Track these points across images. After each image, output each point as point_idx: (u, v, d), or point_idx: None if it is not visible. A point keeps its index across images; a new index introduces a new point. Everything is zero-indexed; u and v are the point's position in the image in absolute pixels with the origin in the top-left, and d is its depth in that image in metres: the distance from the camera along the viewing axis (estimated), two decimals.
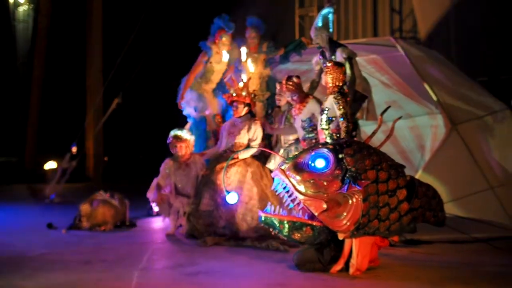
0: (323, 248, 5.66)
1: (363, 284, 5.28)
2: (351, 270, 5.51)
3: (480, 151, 8.06)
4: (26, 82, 18.96)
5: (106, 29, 17.83)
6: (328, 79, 6.84)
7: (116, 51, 11.89)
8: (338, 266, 5.60)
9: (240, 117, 8.05)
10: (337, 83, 6.81)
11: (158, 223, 8.89)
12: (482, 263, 6.09)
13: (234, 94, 8.14)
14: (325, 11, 8.43)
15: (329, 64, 6.89)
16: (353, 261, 5.53)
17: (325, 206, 5.37)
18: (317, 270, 5.63)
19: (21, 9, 20.64)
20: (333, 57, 8.25)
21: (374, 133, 6.27)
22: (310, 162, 5.53)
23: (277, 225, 5.57)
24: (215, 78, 9.27)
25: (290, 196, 5.49)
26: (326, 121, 6.00)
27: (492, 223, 7.35)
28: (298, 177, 5.46)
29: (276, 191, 5.67)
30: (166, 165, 8.15)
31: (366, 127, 10.22)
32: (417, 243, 6.84)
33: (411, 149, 11.74)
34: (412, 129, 11.60)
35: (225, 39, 9.15)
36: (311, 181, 5.44)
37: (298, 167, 5.52)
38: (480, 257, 6.32)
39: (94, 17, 17.52)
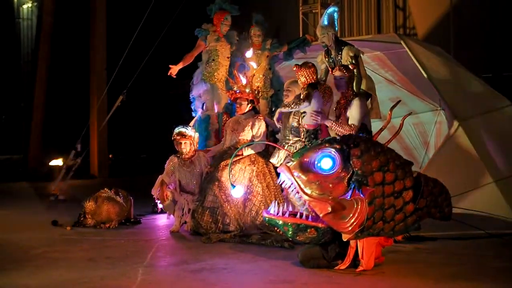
0: (327, 245, 5.65)
1: (368, 280, 5.28)
2: (359, 269, 5.51)
3: (484, 147, 8.04)
4: (31, 80, 18.98)
5: (110, 27, 17.84)
6: (302, 79, 7.49)
7: (120, 49, 11.90)
8: (344, 265, 5.58)
9: (243, 114, 8.05)
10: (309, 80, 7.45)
11: (162, 220, 8.90)
12: (486, 259, 6.08)
13: (237, 91, 8.16)
14: (330, 9, 8.42)
15: (294, 68, 7.54)
16: (361, 261, 5.52)
17: (330, 208, 5.35)
18: (322, 267, 5.64)
19: (25, 6, 20.68)
20: (339, 56, 8.25)
21: (382, 129, 6.26)
22: (316, 162, 5.47)
23: (282, 226, 5.58)
24: (222, 61, 9.22)
25: (297, 192, 5.49)
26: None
27: (498, 217, 7.34)
28: (304, 177, 5.43)
29: (281, 183, 5.66)
30: (171, 162, 8.16)
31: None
32: (421, 239, 6.84)
33: (416, 146, 11.74)
34: (416, 125, 11.60)
35: (229, 19, 9.19)
36: (317, 183, 5.40)
37: (304, 167, 5.48)
38: (484, 253, 6.31)
39: (98, 14, 17.52)
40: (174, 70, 9.22)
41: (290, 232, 5.56)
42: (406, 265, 5.80)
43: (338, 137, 5.86)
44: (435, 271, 5.56)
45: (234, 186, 6.92)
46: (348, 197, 5.35)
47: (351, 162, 5.43)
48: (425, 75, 8.40)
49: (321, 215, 5.38)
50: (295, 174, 5.45)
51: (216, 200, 7.67)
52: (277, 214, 5.59)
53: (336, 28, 8.41)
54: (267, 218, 5.66)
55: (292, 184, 5.47)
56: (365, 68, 8.62)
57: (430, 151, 11.32)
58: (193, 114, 9.46)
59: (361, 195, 5.33)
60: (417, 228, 5.70)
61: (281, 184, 5.73)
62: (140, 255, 6.44)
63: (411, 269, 5.66)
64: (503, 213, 7.51)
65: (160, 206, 9.14)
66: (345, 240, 5.47)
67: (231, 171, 7.61)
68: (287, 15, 17.47)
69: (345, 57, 8.15)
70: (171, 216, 8.24)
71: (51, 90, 18.96)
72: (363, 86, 8.04)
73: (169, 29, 11.56)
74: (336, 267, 5.59)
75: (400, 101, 6.67)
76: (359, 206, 5.33)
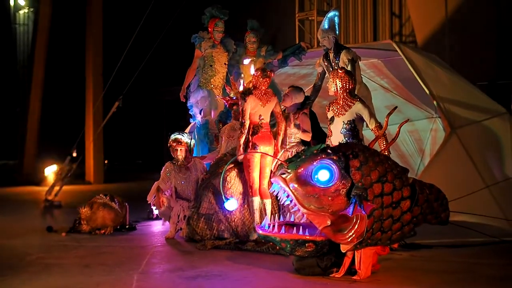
0: (324, 255, 5.63)
1: None
2: (355, 277, 5.50)
3: (479, 155, 8.06)
4: (26, 85, 18.97)
5: (106, 32, 17.86)
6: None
7: (117, 54, 11.91)
8: (339, 274, 5.56)
9: (239, 120, 8.04)
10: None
11: (158, 227, 8.89)
12: (480, 267, 6.09)
13: (234, 98, 8.17)
14: (331, 14, 8.46)
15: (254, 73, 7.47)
16: (358, 271, 5.52)
17: (329, 222, 5.32)
18: (317, 274, 5.62)
19: (21, 12, 20.67)
20: (336, 59, 8.27)
21: (378, 136, 6.26)
22: (313, 175, 5.36)
23: (279, 243, 5.55)
24: (219, 68, 9.27)
25: (293, 206, 5.44)
26: None
27: (492, 223, 7.35)
28: (301, 190, 5.33)
29: (274, 192, 5.63)
30: (167, 169, 8.16)
31: (364, 131, 10.23)
32: (416, 247, 6.84)
33: (411, 153, 11.74)
34: (411, 133, 11.61)
35: (220, 26, 9.25)
36: (315, 196, 5.31)
37: (301, 179, 5.36)
38: (478, 261, 6.32)
39: (94, 20, 17.53)
40: (183, 92, 9.37)
41: (288, 248, 5.52)
42: (402, 273, 5.80)
43: (335, 145, 5.84)
44: (430, 279, 5.57)
45: (227, 199, 6.93)
46: (350, 213, 5.28)
47: (350, 174, 5.37)
48: (420, 83, 8.40)
49: (319, 228, 5.35)
50: (292, 186, 5.35)
51: (211, 207, 7.67)
52: (273, 229, 5.55)
53: (337, 32, 8.43)
54: (262, 235, 5.63)
55: (288, 196, 5.40)
56: (361, 76, 8.65)
57: (426, 158, 11.33)
58: (191, 121, 9.49)
59: (363, 212, 5.28)
60: (412, 235, 5.71)
61: (276, 195, 5.71)
62: (135, 261, 6.43)
63: (407, 276, 5.66)
64: (496, 219, 7.51)
65: (155, 212, 9.14)
66: (343, 251, 5.45)
67: (225, 179, 7.61)
68: (284, 22, 17.50)
69: (343, 59, 8.17)
70: (167, 222, 8.24)
71: (47, 95, 18.95)
72: (357, 93, 8.05)
73: (165, 36, 11.57)
74: (331, 275, 5.59)
75: (396, 107, 6.68)
76: (359, 220, 5.30)
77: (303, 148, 7.69)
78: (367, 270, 5.52)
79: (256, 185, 7.49)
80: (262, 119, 7.47)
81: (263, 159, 7.52)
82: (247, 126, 7.40)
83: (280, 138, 7.67)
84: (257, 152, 7.38)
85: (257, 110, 7.45)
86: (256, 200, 7.49)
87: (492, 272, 5.89)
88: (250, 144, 7.43)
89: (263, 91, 7.49)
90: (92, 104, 16.83)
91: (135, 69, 11.47)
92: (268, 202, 7.54)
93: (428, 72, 8.67)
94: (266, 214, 7.44)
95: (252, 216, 7.49)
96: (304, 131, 7.77)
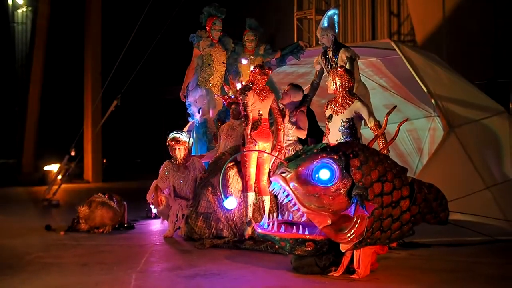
0: (322, 254, 5.62)
1: (362, 287, 5.28)
2: (353, 276, 5.50)
3: (477, 154, 8.05)
4: (25, 84, 18.96)
5: (104, 31, 17.86)
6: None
7: (115, 53, 11.91)
8: (338, 273, 5.56)
9: (238, 119, 8.04)
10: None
11: (156, 225, 8.89)
12: (479, 265, 6.09)
13: (232, 97, 8.16)
14: (330, 12, 8.46)
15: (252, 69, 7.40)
16: (357, 270, 5.52)
17: (329, 221, 5.31)
18: (315, 273, 5.63)
19: (19, 11, 20.66)
20: (335, 57, 8.27)
21: (377, 136, 6.24)
22: (314, 174, 5.34)
23: (278, 242, 5.54)
24: (217, 66, 9.26)
25: (293, 205, 5.42)
26: None
27: (491, 223, 7.36)
28: (302, 189, 5.31)
29: (274, 190, 5.61)
30: (165, 167, 8.15)
31: (363, 130, 10.23)
32: (415, 246, 6.84)
33: (409, 152, 11.74)
34: (410, 132, 11.61)
35: (218, 24, 9.25)
36: (316, 195, 5.30)
37: (302, 178, 5.34)
38: (477, 260, 6.32)
39: (93, 19, 17.54)
40: (183, 91, 9.37)
41: (288, 247, 5.51)
42: (400, 272, 5.80)
43: (335, 144, 5.83)
44: (429, 277, 5.57)
45: (226, 197, 6.93)
46: (352, 213, 5.27)
47: (350, 174, 5.36)
48: (419, 81, 8.41)
49: (320, 227, 5.35)
50: (292, 185, 5.33)
51: (209, 206, 7.66)
52: (272, 228, 5.54)
53: (337, 30, 8.43)
54: (261, 234, 5.62)
55: (288, 195, 5.38)
56: (360, 74, 8.64)
57: (424, 157, 11.33)
58: (189, 120, 9.49)
59: (365, 212, 5.27)
60: (411, 234, 5.71)
61: (276, 195, 5.70)
62: (133, 260, 6.42)
63: (405, 275, 5.66)
64: (496, 218, 7.52)
65: (154, 211, 9.13)
66: (343, 250, 5.44)
67: (224, 178, 7.61)
68: (282, 21, 17.49)
69: (342, 57, 8.17)
70: (165, 221, 8.24)
71: (46, 94, 18.95)
72: (355, 91, 8.05)
73: (163, 35, 11.57)
74: (329, 274, 5.59)
75: (395, 106, 6.68)
76: (360, 220, 5.30)
77: (300, 146, 7.73)
78: (365, 269, 5.53)
79: (251, 181, 7.50)
80: (261, 114, 7.48)
81: (261, 156, 7.52)
82: (250, 117, 7.39)
83: (281, 133, 7.66)
84: (256, 150, 7.38)
85: (255, 105, 7.46)
86: (251, 196, 7.50)
87: (491, 271, 5.89)
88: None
89: (260, 88, 7.50)
90: (91, 103, 16.84)
91: (133, 68, 11.47)
92: (266, 199, 7.55)
93: (426, 71, 8.67)
94: (264, 212, 7.46)
95: (246, 211, 7.51)
96: (299, 128, 7.78)
